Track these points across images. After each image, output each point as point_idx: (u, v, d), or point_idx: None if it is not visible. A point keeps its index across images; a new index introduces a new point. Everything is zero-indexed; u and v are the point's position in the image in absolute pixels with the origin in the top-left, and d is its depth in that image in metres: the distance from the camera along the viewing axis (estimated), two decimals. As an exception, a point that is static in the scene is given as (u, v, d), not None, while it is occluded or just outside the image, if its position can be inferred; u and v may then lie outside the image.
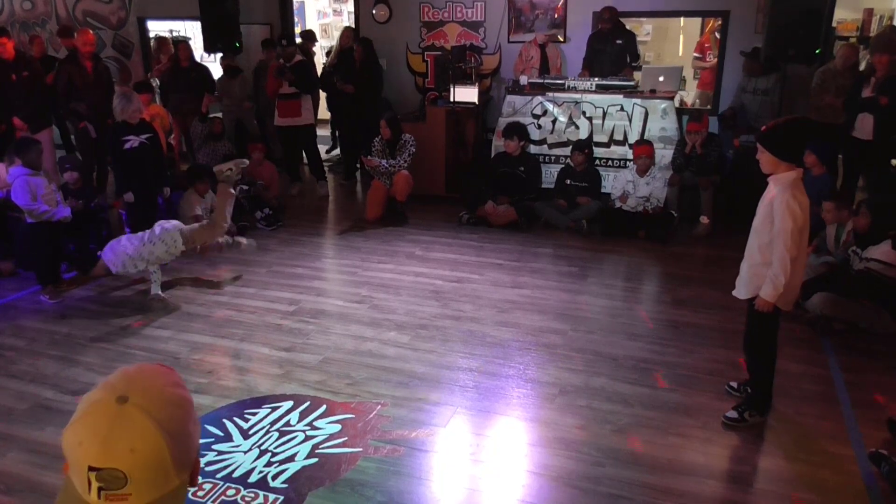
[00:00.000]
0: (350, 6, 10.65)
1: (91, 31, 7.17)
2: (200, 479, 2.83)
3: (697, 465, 3.10)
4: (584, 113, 7.18)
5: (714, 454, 3.21)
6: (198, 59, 8.56)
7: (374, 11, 9.07)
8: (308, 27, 11.31)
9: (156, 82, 8.66)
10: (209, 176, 5.86)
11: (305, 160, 8.31)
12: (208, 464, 3.12)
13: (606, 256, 5.91)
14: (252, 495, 2.92)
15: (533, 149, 7.22)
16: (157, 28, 10.20)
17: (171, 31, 10.29)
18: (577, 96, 7.18)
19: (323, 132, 9.26)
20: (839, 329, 4.39)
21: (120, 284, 5.28)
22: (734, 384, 3.69)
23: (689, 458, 3.14)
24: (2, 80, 6.47)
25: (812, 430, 3.40)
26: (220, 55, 8.54)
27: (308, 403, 3.61)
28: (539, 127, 7.33)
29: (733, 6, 7.67)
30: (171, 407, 0.97)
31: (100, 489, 0.92)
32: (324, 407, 3.57)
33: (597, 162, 7.03)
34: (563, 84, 7.29)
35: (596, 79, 7.24)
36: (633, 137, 6.95)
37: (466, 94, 7.58)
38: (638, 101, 7.02)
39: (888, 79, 5.83)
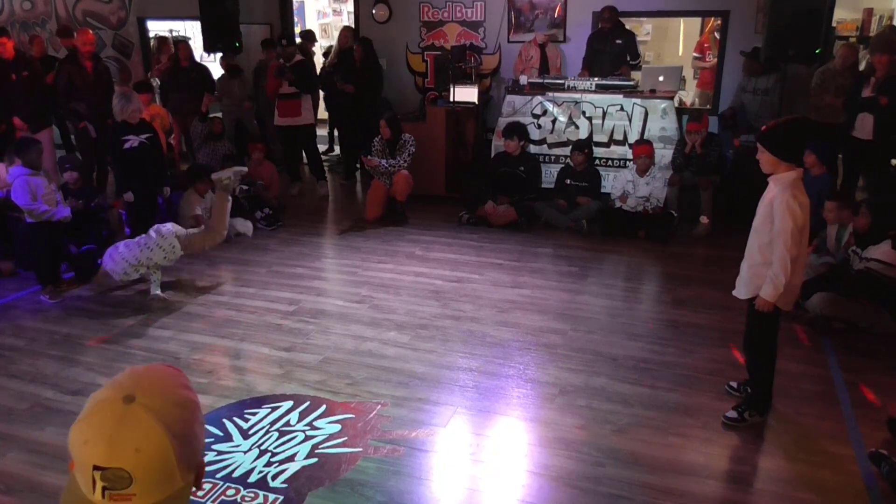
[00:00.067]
0: (350, 6, 10.65)
1: (91, 31, 7.17)
2: (200, 479, 2.83)
3: (697, 465, 3.10)
4: (583, 113, 7.18)
5: (714, 454, 3.21)
6: (198, 59, 8.57)
7: (373, 11, 9.07)
8: (308, 27, 11.31)
9: (156, 82, 8.66)
10: (209, 176, 5.86)
11: (305, 160, 8.32)
12: (208, 464, 3.11)
13: (606, 256, 5.91)
14: (252, 495, 2.92)
15: (533, 149, 7.22)
16: (157, 28, 10.20)
17: (171, 31, 10.30)
18: (576, 96, 7.18)
19: (320, 132, 9.26)
20: (839, 329, 4.39)
21: (120, 284, 5.28)
22: (734, 384, 3.69)
23: (689, 458, 3.14)
24: (2, 80, 6.47)
25: (812, 430, 3.40)
26: (220, 55, 8.54)
27: (308, 403, 3.61)
28: (539, 127, 7.33)
29: (733, 6, 7.67)
30: (177, 408, 0.97)
31: (104, 489, 0.92)
32: (324, 407, 3.57)
33: (597, 162, 7.03)
34: (563, 84, 7.29)
35: (596, 79, 7.24)
36: (633, 137, 6.95)
37: (466, 93, 7.59)
38: (638, 100, 7.02)
39: (888, 79, 5.83)
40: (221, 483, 2.99)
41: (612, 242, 6.19)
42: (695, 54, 9.11)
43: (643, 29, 9.61)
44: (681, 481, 2.98)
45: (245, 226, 6.18)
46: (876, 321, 4.36)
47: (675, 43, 9.81)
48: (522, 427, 3.43)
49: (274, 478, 3.03)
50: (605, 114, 7.12)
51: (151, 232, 4.94)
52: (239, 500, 2.89)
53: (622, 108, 7.06)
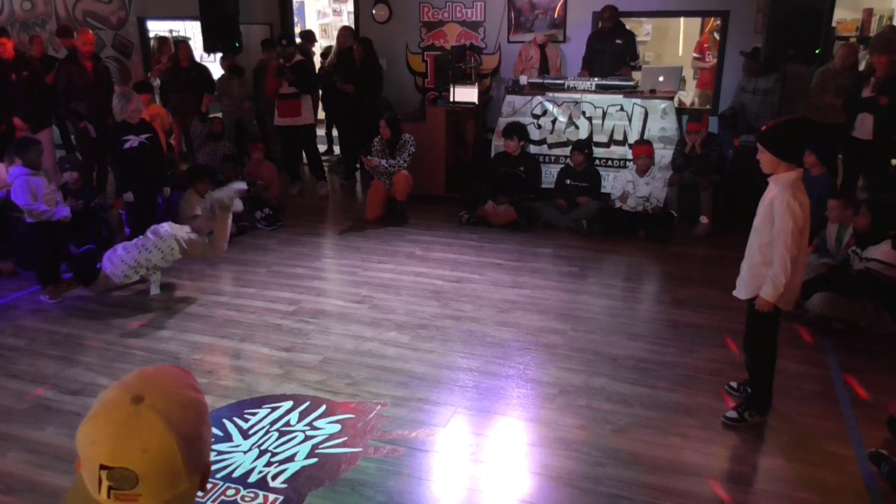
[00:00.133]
0: (350, 6, 10.66)
1: (90, 31, 7.17)
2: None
3: (697, 465, 3.10)
4: (583, 113, 7.18)
5: (714, 454, 3.21)
6: (198, 59, 8.57)
7: (373, 11, 9.07)
8: (308, 27, 11.32)
9: (156, 82, 8.66)
10: (209, 176, 5.86)
11: (305, 160, 8.32)
12: (208, 464, 3.11)
13: (606, 256, 5.91)
14: (252, 495, 2.92)
15: (533, 149, 7.22)
16: (157, 28, 10.21)
17: (171, 31, 10.30)
18: (576, 96, 7.18)
19: (319, 132, 9.25)
20: (839, 329, 4.39)
21: (120, 285, 5.27)
22: (734, 384, 3.68)
23: (689, 458, 3.14)
24: (2, 80, 6.47)
25: (812, 430, 3.40)
26: (220, 55, 8.54)
27: (308, 403, 3.61)
28: (539, 127, 7.33)
29: (733, 6, 7.67)
30: (185, 410, 0.97)
31: (110, 488, 0.92)
32: (324, 407, 3.57)
33: (596, 162, 7.03)
34: (563, 84, 7.29)
35: (596, 79, 7.24)
36: (633, 137, 6.95)
37: (466, 94, 7.59)
38: (638, 101, 7.01)
39: (888, 79, 5.83)
40: (221, 483, 2.99)
41: (612, 242, 6.19)
42: (694, 55, 9.11)
43: (643, 29, 9.61)
44: (681, 481, 2.98)
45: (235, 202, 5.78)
46: (876, 321, 4.36)
47: (675, 43, 9.81)
48: (522, 427, 3.42)
49: (274, 478, 3.03)
50: (605, 114, 7.12)
51: (149, 233, 4.94)
52: (239, 500, 2.89)
53: (622, 109, 7.06)
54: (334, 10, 12.37)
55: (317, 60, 9.85)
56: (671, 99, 7.01)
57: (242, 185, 5.45)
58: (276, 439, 3.30)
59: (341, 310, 4.81)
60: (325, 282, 5.46)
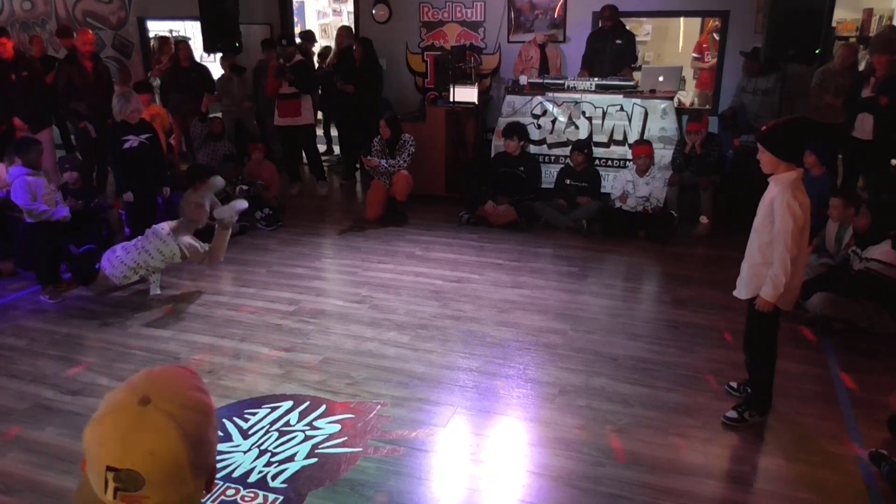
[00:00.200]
0: (350, 6, 10.66)
1: (90, 31, 7.17)
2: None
3: (697, 465, 3.10)
4: (583, 113, 7.18)
5: (714, 454, 3.21)
6: (198, 59, 8.56)
7: (373, 11, 9.07)
8: (308, 27, 11.32)
9: (156, 82, 8.66)
10: (209, 176, 5.85)
11: (305, 160, 8.31)
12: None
13: (606, 256, 5.91)
14: (252, 495, 2.92)
15: (533, 149, 7.22)
16: (156, 28, 10.20)
17: (171, 31, 10.30)
18: (576, 96, 7.18)
19: (318, 132, 9.26)
20: (839, 329, 4.39)
21: (119, 285, 5.27)
22: (734, 384, 3.69)
23: (689, 458, 3.14)
24: (2, 80, 6.47)
25: (812, 430, 3.40)
26: (220, 55, 8.54)
27: (308, 403, 3.61)
28: (539, 127, 7.33)
29: (733, 6, 7.67)
30: (192, 412, 0.97)
31: (116, 489, 0.93)
32: (323, 407, 3.57)
33: (596, 162, 7.03)
34: (563, 84, 7.29)
35: (595, 79, 7.24)
36: (633, 137, 6.95)
37: (466, 94, 7.59)
38: (637, 101, 7.01)
39: (888, 79, 5.83)
40: (221, 483, 2.99)
41: (612, 242, 6.19)
42: (693, 55, 9.10)
43: (643, 29, 9.61)
44: (681, 481, 2.98)
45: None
46: (876, 321, 4.36)
47: (674, 43, 9.81)
48: (522, 427, 3.42)
49: (274, 478, 3.03)
50: (604, 114, 7.12)
51: (148, 234, 4.94)
52: (239, 500, 2.89)
53: (622, 109, 7.06)
54: (334, 10, 12.37)
55: (315, 61, 9.86)
56: (671, 99, 7.01)
57: (244, 205, 5.45)
58: (276, 439, 3.30)
59: (341, 310, 4.81)
60: (325, 282, 5.46)
